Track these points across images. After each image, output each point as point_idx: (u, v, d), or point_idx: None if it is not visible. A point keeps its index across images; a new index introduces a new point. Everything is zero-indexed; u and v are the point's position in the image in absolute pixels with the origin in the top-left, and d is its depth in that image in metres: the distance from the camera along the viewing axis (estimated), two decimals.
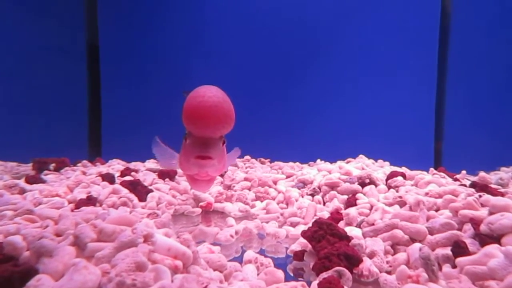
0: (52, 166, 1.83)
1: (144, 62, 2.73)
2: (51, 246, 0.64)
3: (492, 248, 0.74)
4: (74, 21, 2.68)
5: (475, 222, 0.84)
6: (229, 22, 2.69)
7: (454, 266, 0.77)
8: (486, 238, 0.79)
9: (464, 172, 1.68)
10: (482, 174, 1.40)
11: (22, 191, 1.27)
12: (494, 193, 1.06)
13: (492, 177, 1.50)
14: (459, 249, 0.79)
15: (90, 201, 1.17)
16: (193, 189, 1.44)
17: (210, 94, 0.87)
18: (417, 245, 0.84)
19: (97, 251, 0.65)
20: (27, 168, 1.90)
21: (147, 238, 0.68)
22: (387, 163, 1.95)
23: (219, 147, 0.90)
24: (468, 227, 0.87)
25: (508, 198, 0.88)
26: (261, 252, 0.98)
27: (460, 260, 0.76)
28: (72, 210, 1.06)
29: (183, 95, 1.18)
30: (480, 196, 0.96)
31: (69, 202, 1.20)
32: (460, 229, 0.88)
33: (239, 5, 2.67)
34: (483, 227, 0.81)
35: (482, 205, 0.93)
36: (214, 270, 0.77)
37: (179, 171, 1.70)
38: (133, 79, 2.71)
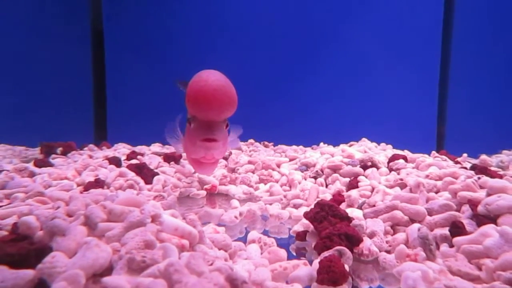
0: (59, 150, 1.87)
1: (148, 46, 2.73)
2: (63, 225, 0.67)
3: (488, 228, 0.76)
4: (78, 7, 2.68)
5: (473, 203, 0.87)
6: (235, 7, 2.68)
7: (451, 246, 0.80)
8: (483, 219, 0.81)
9: (465, 155, 1.70)
10: (483, 157, 1.42)
11: (32, 174, 1.30)
12: (492, 175, 1.08)
13: (493, 160, 1.52)
14: (457, 229, 0.81)
15: (98, 183, 1.21)
16: (197, 173, 1.46)
17: (213, 78, 0.89)
18: (416, 225, 0.86)
19: (107, 231, 0.68)
20: (35, 152, 1.94)
21: (155, 219, 0.71)
22: (389, 146, 1.97)
23: (223, 129, 0.93)
24: (466, 208, 0.89)
25: (506, 180, 0.90)
26: (265, 233, 1.01)
27: (457, 239, 0.78)
28: (81, 192, 1.10)
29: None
30: (478, 178, 0.98)
31: (78, 185, 1.23)
32: (458, 210, 0.91)
33: None
34: (480, 208, 0.83)
35: (481, 187, 0.95)
36: (219, 249, 0.80)
37: (184, 154, 1.72)
38: (138, 63, 2.72)
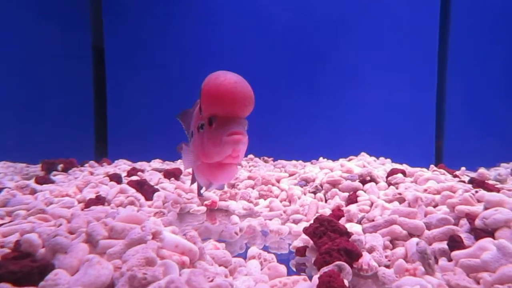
0: (60, 166, 1.88)
1: (149, 63, 2.76)
2: (65, 243, 0.68)
3: (486, 241, 0.77)
4: (79, 24, 2.72)
5: (471, 217, 0.87)
6: (235, 23, 2.71)
7: (450, 260, 0.80)
8: (481, 232, 0.82)
9: (463, 168, 1.71)
10: (481, 170, 1.43)
11: (33, 192, 1.31)
12: (490, 189, 1.09)
13: (491, 173, 1.53)
14: (455, 243, 0.82)
15: (99, 200, 1.21)
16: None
17: (229, 75, 0.90)
18: (414, 240, 0.87)
19: (108, 248, 0.69)
20: (36, 169, 1.94)
21: (156, 235, 0.72)
22: (388, 160, 1.98)
23: (245, 127, 0.92)
24: (464, 222, 0.90)
25: (502, 194, 0.91)
26: (265, 248, 1.02)
27: (455, 253, 0.79)
28: (82, 209, 1.10)
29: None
30: (476, 192, 0.99)
31: (79, 202, 1.24)
32: (456, 224, 0.92)
33: (246, 5, 2.70)
34: (478, 222, 0.84)
35: (478, 201, 0.96)
36: (220, 265, 0.81)
37: (185, 171, 1.72)
38: (138, 80, 2.74)
